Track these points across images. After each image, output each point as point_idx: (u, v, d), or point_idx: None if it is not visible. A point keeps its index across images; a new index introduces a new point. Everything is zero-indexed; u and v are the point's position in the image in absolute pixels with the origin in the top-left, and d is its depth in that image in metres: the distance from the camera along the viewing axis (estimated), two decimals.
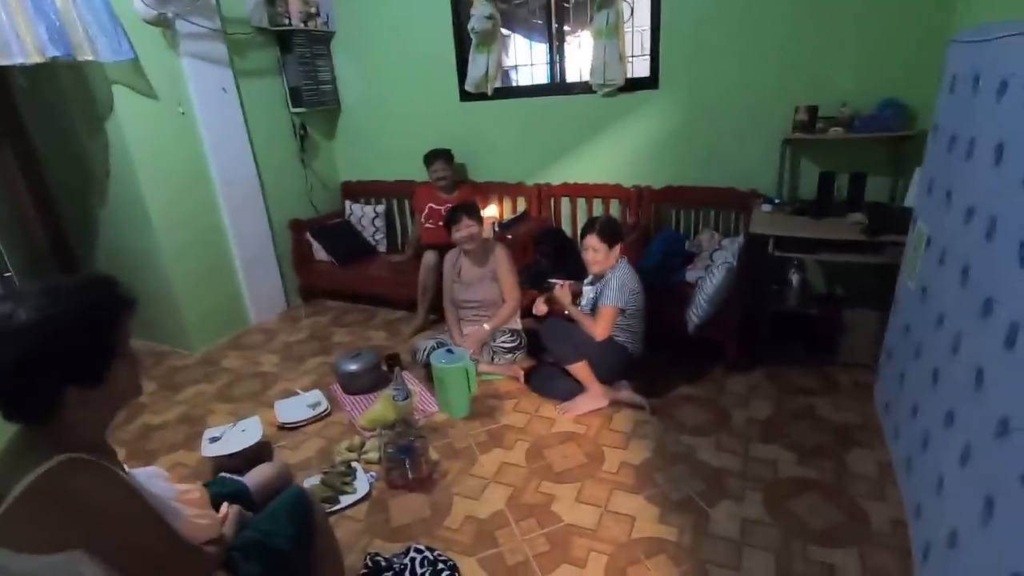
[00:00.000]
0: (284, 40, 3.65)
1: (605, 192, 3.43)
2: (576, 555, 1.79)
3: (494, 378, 2.83)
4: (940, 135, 1.91)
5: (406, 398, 2.40)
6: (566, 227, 3.57)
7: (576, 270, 2.72)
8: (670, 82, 3.12)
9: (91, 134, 3.02)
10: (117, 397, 1.02)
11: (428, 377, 2.74)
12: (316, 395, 2.71)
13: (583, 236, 2.51)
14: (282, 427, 2.54)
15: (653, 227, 3.30)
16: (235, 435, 2.36)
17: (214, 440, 2.35)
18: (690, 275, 2.89)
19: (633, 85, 3.20)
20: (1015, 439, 1.10)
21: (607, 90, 3.22)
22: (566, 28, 3.48)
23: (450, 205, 3.19)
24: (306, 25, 3.69)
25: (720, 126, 3.06)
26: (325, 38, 3.91)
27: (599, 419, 2.47)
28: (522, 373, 2.81)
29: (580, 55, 3.50)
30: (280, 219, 3.83)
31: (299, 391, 2.80)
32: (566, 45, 3.52)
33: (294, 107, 3.81)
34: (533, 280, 2.91)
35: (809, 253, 2.59)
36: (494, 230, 3.39)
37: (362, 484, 2.10)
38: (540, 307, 2.72)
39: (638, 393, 2.54)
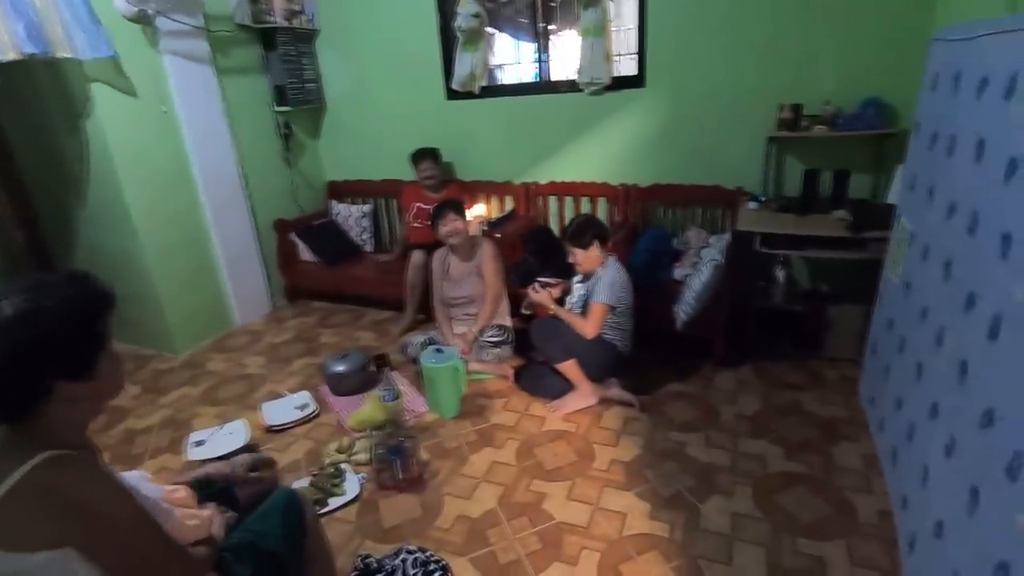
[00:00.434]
0: (268, 38, 3.61)
1: (592, 191, 3.44)
2: (568, 553, 1.79)
3: (484, 377, 2.82)
4: (922, 133, 1.94)
5: (395, 399, 2.38)
6: (554, 226, 3.57)
7: (564, 268, 2.72)
8: (656, 81, 3.13)
9: (69, 132, 2.96)
10: (103, 393, 1.03)
11: (418, 376, 2.73)
12: (304, 397, 2.69)
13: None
14: (270, 429, 2.51)
15: (641, 225, 3.31)
16: (221, 438, 2.33)
17: (199, 444, 2.32)
18: (678, 272, 2.90)
19: (619, 84, 3.21)
20: (999, 430, 1.12)
21: (594, 89, 3.23)
22: (552, 27, 3.48)
23: None
24: (290, 23, 3.65)
25: (706, 124, 3.08)
26: (309, 36, 3.87)
27: (589, 417, 2.48)
28: (512, 372, 2.81)
29: (567, 54, 3.50)
30: (265, 219, 3.78)
31: (286, 393, 2.77)
32: (552, 44, 3.52)
33: (278, 106, 3.77)
34: (522, 279, 2.91)
35: (794, 250, 2.62)
36: (482, 229, 3.37)
37: (352, 486, 2.08)
38: (525, 311, 2.74)
39: (627, 390, 2.55)
